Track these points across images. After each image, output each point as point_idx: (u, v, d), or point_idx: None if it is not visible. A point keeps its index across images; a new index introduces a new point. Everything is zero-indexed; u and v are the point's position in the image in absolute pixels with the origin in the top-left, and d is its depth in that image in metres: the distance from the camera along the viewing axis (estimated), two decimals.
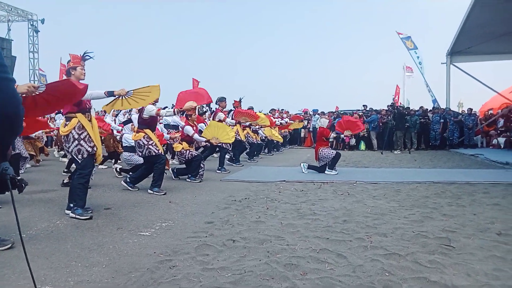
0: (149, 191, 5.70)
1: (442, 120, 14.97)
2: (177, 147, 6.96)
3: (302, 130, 18.41)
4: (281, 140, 13.88)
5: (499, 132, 15.48)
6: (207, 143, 7.65)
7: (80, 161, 4.25)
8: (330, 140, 8.12)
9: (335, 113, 15.43)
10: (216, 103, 8.83)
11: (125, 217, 4.29)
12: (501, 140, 14.43)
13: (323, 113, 15.86)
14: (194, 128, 7.27)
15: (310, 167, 7.95)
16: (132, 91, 4.59)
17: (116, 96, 4.48)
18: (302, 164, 8.09)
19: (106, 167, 8.91)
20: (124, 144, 7.41)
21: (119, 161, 8.74)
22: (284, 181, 6.77)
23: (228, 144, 8.29)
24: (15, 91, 1.17)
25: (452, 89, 16.22)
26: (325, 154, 7.69)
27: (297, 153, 14.00)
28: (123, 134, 7.58)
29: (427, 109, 16.08)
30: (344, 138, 15.36)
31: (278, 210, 4.52)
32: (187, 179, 6.91)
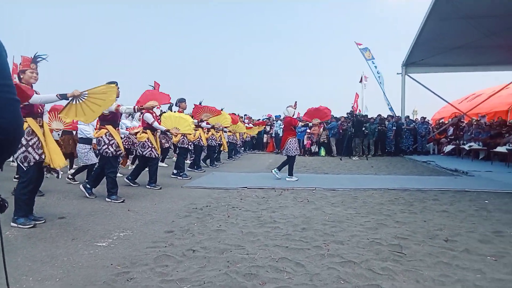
0: (106, 199, 5.54)
1: (394, 128, 15.64)
2: (142, 137, 6.83)
3: (265, 135, 18.61)
4: (252, 133, 14.12)
5: (449, 140, 16.38)
6: (167, 133, 7.58)
7: (25, 169, 4.07)
8: (299, 131, 8.28)
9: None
10: (176, 105, 8.75)
11: (81, 226, 4.15)
12: (450, 147, 15.28)
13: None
14: (154, 115, 7.09)
15: (279, 167, 8.05)
16: (86, 92, 4.43)
17: (70, 99, 4.32)
18: (273, 170, 8.15)
19: (62, 172, 8.56)
20: (79, 136, 7.12)
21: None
22: (246, 187, 6.81)
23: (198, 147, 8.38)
24: (20, 113, 1.15)
25: (407, 98, 17.01)
26: (291, 145, 7.85)
27: (259, 159, 14.11)
28: (79, 125, 7.30)
29: (384, 117, 16.75)
30: (305, 142, 15.70)
31: (239, 218, 4.55)
32: (147, 186, 6.78)
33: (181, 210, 5.00)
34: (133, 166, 9.46)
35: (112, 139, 5.58)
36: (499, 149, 11.49)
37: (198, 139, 9.14)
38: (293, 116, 8.34)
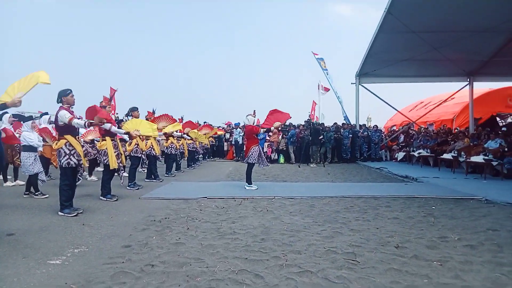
0: (59, 213, 5.33)
1: (350, 135, 16.25)
2: (102, 145, 6.63)
3: (225, 143, 18.62)
4: (206, 142, 14.05)
5: (400, 147, 17.22)
6: (126, 135, 7.40)
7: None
8: (260, 137, 8.37)
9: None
10: (128, 114, 8.59)
11: (32, 244, 3.96)
12: (401, 154, 16.06)
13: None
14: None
15: (247, 179, 8.11)
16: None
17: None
18: (245, 186, 8.07)
19: (13, 184, 8.14)
20: (23, 143, 6.78)
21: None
22: (206, 197, 6.79)
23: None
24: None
25: (362, 106, 17.71)
26: (253, 152, 7.93)
27: (219, 167, 14.08)
28: (22, 132, 6.96)
29: (340, 125, 17.32)
30: (267, 150, 15.87)
31: (199, 230, 4.54)
32: (101, 197, 6.55)
33: (139, 223, 4.90)
34: (92, 177, 9.18)
35: (72, 149, 5.39)
36: (445, 156, 12.24)
37: (150, 148, 9.02)
38: (253, 124, 8.44)
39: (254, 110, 9.11)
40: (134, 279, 3.02)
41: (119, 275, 3.10)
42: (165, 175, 10.34)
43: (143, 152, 8.38)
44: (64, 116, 5.29)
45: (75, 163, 5.41)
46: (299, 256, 3.59)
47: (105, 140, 6.64)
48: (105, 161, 6.67)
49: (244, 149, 9.55)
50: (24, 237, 4.21)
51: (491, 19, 11.62)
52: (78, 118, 5.58)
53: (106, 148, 6.56)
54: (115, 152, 6.58)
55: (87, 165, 6.54)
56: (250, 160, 7.99)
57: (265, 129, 8.76)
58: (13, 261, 3.41)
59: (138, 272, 3.16)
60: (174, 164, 11.37)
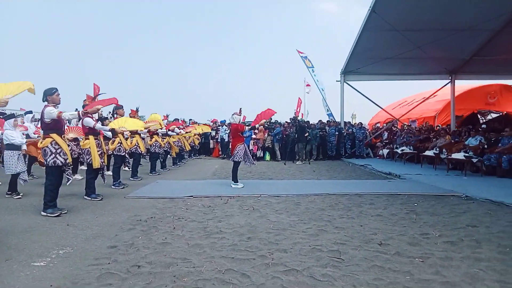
0: (42, 213, 5.26)
1: (337, 133, 16.41)
2: (85, 144, 6.56)
3: (211, 140, 18.57)
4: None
5: (384, 144, 17.46)
6: (110, 132, 7.35)
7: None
8: (246, 135, 8.39)
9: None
10: (113, 113, 8.54)
11: (15, 245, 3.91)
12: (385, 151, 16.29)
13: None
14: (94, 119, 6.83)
15: (233, 178, 8.12)
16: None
17: None
18: (231, 184, 8.07)
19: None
20: (5, 142, 6.66)
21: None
22: (192, 196, 6.79)
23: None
24: None
25: (346, 103, 17.85)
26: (239, 150, 7.99)
27: (205, 165, 14.06)
28: (5, 130, 6.84)
29: (325, 123, 17.47)
30: (253, 148, 15.92)
31: (185, 230, 4.55)
32: (85, 197, 6.49)
33: (124, 223, 4.88)
34: (76, 176, 9.06)
35: (59, 148, 5.32)
36: (428, 153, 12.48)
37: (136, 146, 8.97)
38: (239, 122, 8.45)
39: (240, 108, 9.13)
40: (120, 280, 3.02)
41: (105, 277, 3.09)
42: (149, 174, 10.27)
43: (126, 151, 8.29)
44: (51, 112, 5.23)
45: (61, 162, 5.35)
46: (285, 255, 3.64)
47: (88, 139, 6.57)
48: (88, 160, 6.60)
49: (230, 147, 9.56)
50: (7, 238, 4.15)
51: (473, 18, 11.87)
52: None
53: (89, 147, 6.50)
54: (98, 151, 6.52)
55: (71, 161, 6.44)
56: (236, 158, 8.01)
57: (250, 127, 8.77)
58: None
59: (124, 273, 3.16)
60: (159, 162, 11.31)
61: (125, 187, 7.84)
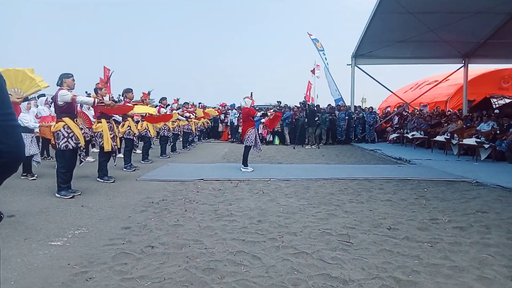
0: (56, 194, 5.38)
1: (347, 117, 16.32)
2: (98, 127, 6.65)
3: (220, 124, 18.63)
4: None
5: (394, 128, 17.34)
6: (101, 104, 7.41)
7: None
8: (256, 119, 8.40)
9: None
10: (122, 95, 8.56)
11: (33, 225, 4.04)
12: (393, 135, 16.19)
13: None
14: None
15: (243, 162, 8.14)
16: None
17: None
18: (241, 168, 8.11)
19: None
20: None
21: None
22: (202, 179, 6.87)
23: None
24: (21, 136, 1.20)
25: (357, 87, 17.70)
26: (250, 135, 8.05)
27: (214, 148, 14.14)
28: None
29: (334, 107, 17.37)
30: (263, 131, 15.99)
31: (197, 212, 4.63)
32: (98, 179, 6.62)
33: (137, 205, 4.99)
34: (88, 159, 9.19)
35: (71, 132, 5.40)
36: (438, 138, 12.38)
37: (146, 129, 9.06)
38: (249, 106, 8.45)
39: (252, 93, 9.12)
40: (135, 260, 3.11)
41: (120, 256, 3.19)
42: (159, 157, 10.39)
43: (135, 135, 8.32)
44: (64, 95, 5.31)
45: (73, 146, 5.43)
46: (295, 238, 3.71)
47: (101, 122, 6.64)
48: (100, 143, 6.68)
49: (240, 131, 9.57)
50: (24, 218, 4.28)
51: (487, 0, 11.58)
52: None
53: (102, 130, 6.57)
54: (110, 134, 6.59)
55: (84, 144, 6.48)
56: (247, 142, 8.06)
57: (262, 113, 8.77)
58: (16, 242, 3.49)
59: (138, 253, 3.25)
60: (170, 146, 11.42)
61: (136, 170, 7.95)
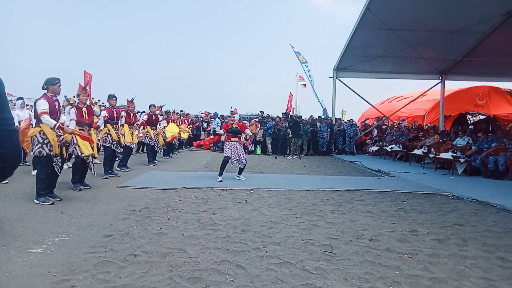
0: (34, 200, 5.26)
1: (329, 129, 16.57)
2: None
3: (202, 132, 18.57)
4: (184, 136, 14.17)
5: (373, 141, 17.69)
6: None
7: None
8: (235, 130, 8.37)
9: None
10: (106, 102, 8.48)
11: (11, 231, 3.94)
12: (374, 148, 16.52)
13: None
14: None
15: (220, 173, 8.05)
16: None
17: None
18: (217, 178, 7.97)
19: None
20: None
21: None
22: (185, 187, 6.84)
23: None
24: (19, 141, 1.22)
25: (338, 99, 18.00)
26: (226, 146, 8.13)
27: (196, 157, 14.08)
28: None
29: (315, 118, 17.61)
30: (245, 142, 16.01)
31: (180, 221, 4.60)
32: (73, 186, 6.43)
33: (118, 212, 4.92)
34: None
35: (46, 138, 5.29)
36: (416, 151, 12.70)
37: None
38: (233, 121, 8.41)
39: (235, 108, 9.07)
40: (118, 268, 3.07)
41: (103, 264, 3.14)
42: (147, 165, 10.37)
43: (113, 142, 8.10)
44: (39, 106, 5.24)
45: (46, 153, 5.31)
46: (278, 248, 3.73)
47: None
48: (77, 151, 6.41)
49: (223, 139, 9.48)
50: (1, 224, 4.16)
51: (465, 20, 12.07)
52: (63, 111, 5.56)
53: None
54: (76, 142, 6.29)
55: (57, 152, 6.23)
56: (225, 153, 8.04)
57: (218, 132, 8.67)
58: None
59: (121, 262, 3.21)
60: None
61: (117, 177, 7.83)
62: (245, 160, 8.28)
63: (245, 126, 8.42)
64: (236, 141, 8.14)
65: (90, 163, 6.21)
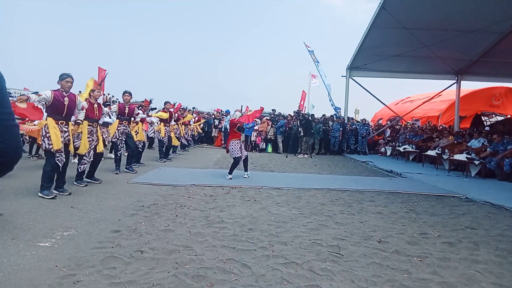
0: (39, 194, 5.33)
1: (341, 129, 16.44)
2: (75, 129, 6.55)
3: (214, 129, 18.61)
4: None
5: (386, 141, 17.48)
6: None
7: None
8: (248, 127, 8.33)
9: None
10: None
11: (21, 225, 3.99)
12: (388, 148, 16.33)
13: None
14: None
15: (230, 171, 8.00)
16: None
17: None
18: (227, 176, 7.92)
19: None
20: None
21: None
22: (194, 185, 6.85)
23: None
24: (19, 137, 1.23)
25: (350, 98, 17.85)
26: (233, 147, 8.01)
27: (207, 154, 14.12)
28: None
29: (327, 117, 17.49)
30: (256, 139, 16.02)
31: (187, 218, 4.60)
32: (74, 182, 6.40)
33: (127, 208, 4.95)
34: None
35: (48, 133, 5.35)
36: (430, 152, 12.50)
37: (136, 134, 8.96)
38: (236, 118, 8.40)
39: (242, 105, 9.09)
40: (124, 265, 3.08)
41: (109, 260, 3.16)
42: (158, 161, 10.50)
43: (119, 138, 8.12)
44: (39, 95, 5.34)
45: (46, 147, 5.35)
46: (285, 248, 3.70)
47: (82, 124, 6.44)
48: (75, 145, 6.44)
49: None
50: (12, 217, 4.23)
51: (482, 20, 11.80)
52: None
53: (81, 133, 6.38)
54: (89, 138, 6.35)
55: (58, 147, 6.25)
56: (232, 155, 8.00)
57: (237, 126, 8.61)
58: (3, 242, 3.44)
59: (127, 258, 3.22)
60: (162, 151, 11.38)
61: (135, 173, 7.91)
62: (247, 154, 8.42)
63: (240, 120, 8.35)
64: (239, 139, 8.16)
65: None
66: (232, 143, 8.03)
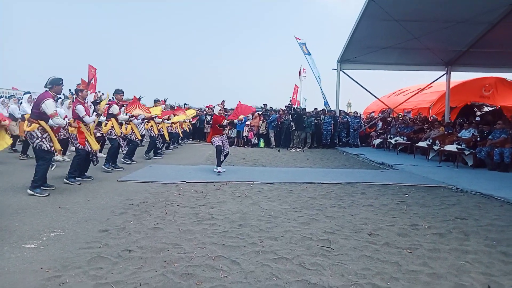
0: (28, 191, 5.32)
1: (332, 122, 16.44)
2: (73, 130, 6.52)
3: (206, 125, 18.49)
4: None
5: (378, 133, 17.53)
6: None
7: None
8: (224, 125, 8.27)
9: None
10: (112, 95, 8.43)
11: (6, 226, 3.91)
12: (379, 141, 16.37)
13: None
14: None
15: (218, 163, 8.02)
16: None
17: None
18: (214, 169, 8.05)
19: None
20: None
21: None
22: (185, 181, 6.79)
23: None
24: None
25: (342, 91, 17.83)
26: (214, 141, 8.01)
27: (199, 150, 14.02)
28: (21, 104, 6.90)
29: (320, 111, 17.46)
30: (248, 134, 15.96)
31: (177, 215, 4.56)
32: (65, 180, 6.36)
33: (116, 207, 4.89)
34: (65, 158, 9.01)
35: (45, 133, 5.44)
36: (421, 144, 12.55)
37: (131, 132, 8.86)
38: (219, 114, 8.35)
39: (223, 101, 9.01)
40: (111, 265, 3.03)
41: (96, 260, 3.11)
42: (154, 157, 10.42)
43: (118, 136, 8.10)
44: (50, 107, 5.33)
45: (47, 147, 5.46)
46: (275, 243, 3.68)
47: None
48: (76, 145, 6.51)
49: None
50: None
51: (470, 10, 11.82)
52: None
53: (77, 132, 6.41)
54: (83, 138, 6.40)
55: (60, 148, 6.28)
56: (215, 144, 8.00)
57: (229, 121, 8.67)
58: None
59: (115, 258, 3.17)
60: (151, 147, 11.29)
61: (118, 170, 7.82)
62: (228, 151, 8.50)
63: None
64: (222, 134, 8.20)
65: (94, 157, 6.53)
66: (214, 138, 8.02)
